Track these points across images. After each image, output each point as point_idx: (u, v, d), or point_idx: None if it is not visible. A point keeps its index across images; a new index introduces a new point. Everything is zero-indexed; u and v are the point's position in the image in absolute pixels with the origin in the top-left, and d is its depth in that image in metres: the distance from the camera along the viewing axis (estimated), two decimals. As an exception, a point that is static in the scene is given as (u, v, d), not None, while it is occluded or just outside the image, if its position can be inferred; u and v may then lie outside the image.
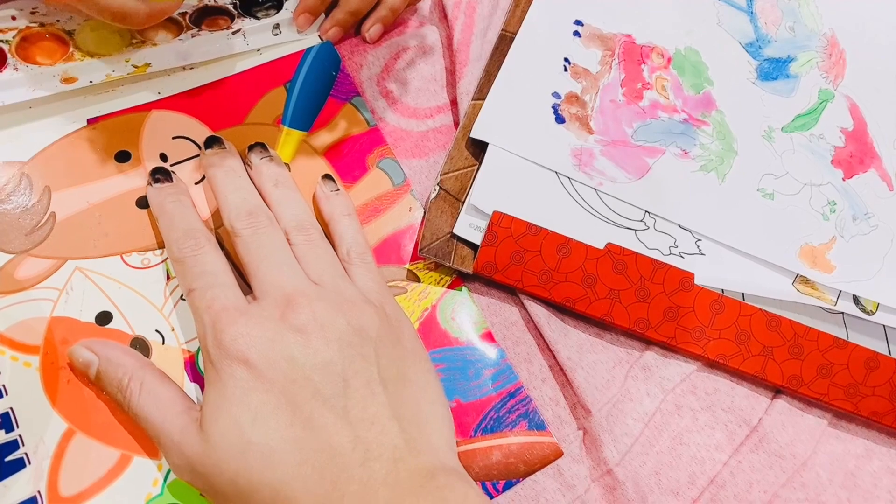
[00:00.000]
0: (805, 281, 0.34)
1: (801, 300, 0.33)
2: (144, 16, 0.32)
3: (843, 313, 0.34)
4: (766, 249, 0.34)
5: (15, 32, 0.35)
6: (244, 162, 0.34)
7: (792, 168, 0.36)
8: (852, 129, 0.38)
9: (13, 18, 0.36)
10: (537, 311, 0.34)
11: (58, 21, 0.36)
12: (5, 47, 0.35)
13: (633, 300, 0.33)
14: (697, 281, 0.33)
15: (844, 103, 0.39)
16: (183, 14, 0.38)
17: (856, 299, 0.34)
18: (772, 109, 0.38)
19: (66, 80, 0.35)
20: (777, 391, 0.34)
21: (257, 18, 0.38)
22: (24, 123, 0.34)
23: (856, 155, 0.37)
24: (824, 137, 0.37)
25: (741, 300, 0.33)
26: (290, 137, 0.36)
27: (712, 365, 0.34)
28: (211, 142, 0.34)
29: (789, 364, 0.33)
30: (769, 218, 0.35)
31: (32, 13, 0.36)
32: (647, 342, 0.34)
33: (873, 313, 0.34)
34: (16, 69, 0.34)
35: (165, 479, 0.30)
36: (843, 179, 0.37)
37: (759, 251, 0.34)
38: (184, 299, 0.33)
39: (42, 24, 0.36)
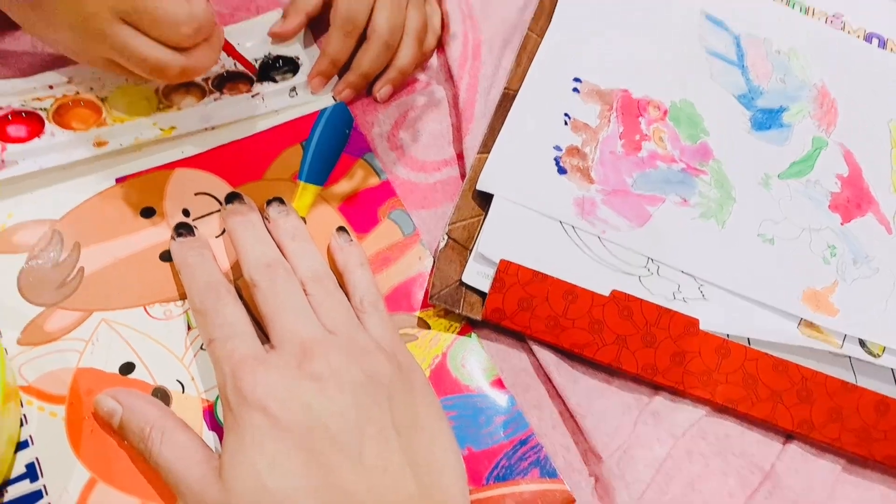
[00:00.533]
0: (810, 324, 0.35)
1: (806, 344, 0.34)
2: (179, 70, 0.34)
3: (849, 357, 0.35)
4: (768, 294, 0.35)
5: (52, 100, 0.38)
6: (262, 216, 0.36)
7: (790, 213, 0.38)
8: (847, 174, 0.40)
9: (51, 87, 0.39)
10: (546, 357, 0.35)
11: (91, 89, 0.39)
12: (43, 114, 0.38)
13: (640, 346, 0.34)
14: (702, 326, 0.34)
15: (838, 150, 0.40)
16: (206, 79, 0.41)
17: (861, 342, 0.35)
18: (767, 157, 0.39)
19: (99, 144, 0.37)
20: (788, 436, 0.34)
21: (275, 82, 0.41)
22: (57, 183, 0.37)
23: (853, 200, 0.39)
24: (820, 183, 0.39)
25: (747, 344, 0.34)
26: (306, 192, 0.38)
27: (721, 410, 0.34)
28: (231, 197, 0.36)
29: (799, 408, 0.33)
30: (770, 262, 0.36)
31: (69, 82, 0.39)
32: (656, 387, 0.35)
33: (880, 356, 0.35)
34: (53, 135, 0.37)
35: (183, 528, 0.31)
36: (842, 224, 0.38)
37: (762, 296, 0.35)
38: (203, 349, 0.34)
39: (77, 93, 0.39)
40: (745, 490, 0.33)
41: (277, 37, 0.42)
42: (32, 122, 0.37)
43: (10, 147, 0.36)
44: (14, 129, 0.37)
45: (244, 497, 0.26)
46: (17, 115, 0.37)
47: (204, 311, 0.32)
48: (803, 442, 0.34)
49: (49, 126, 0.37)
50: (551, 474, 0.32)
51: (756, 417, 0.33)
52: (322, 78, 0.41)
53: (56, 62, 0.40)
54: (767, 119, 0.41)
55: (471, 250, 0.36)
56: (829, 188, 0.39)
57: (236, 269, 0.35)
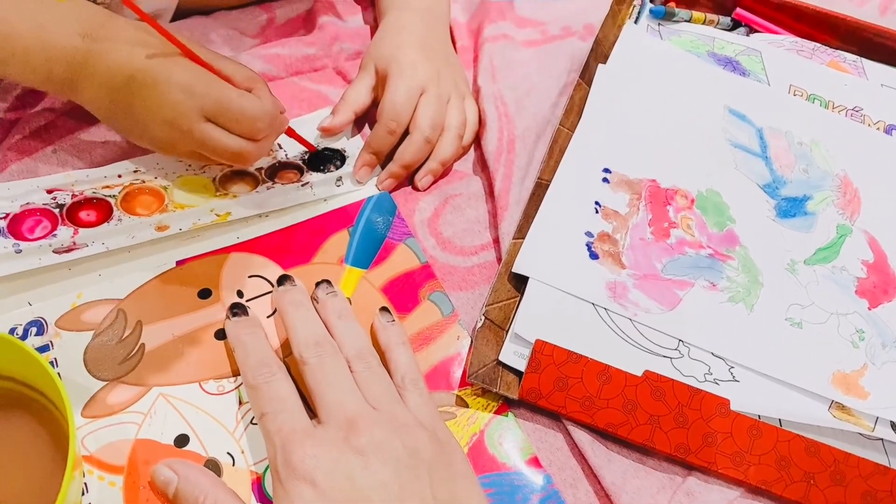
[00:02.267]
0: (841, 407, 0.37)
1: (838, 426, 0.36)
2: (254, 156, 0.42)
3: (882, 439, 0.37)
4: (798, 376, 0.38)
5: (120, 188, 0.44)
6: (311, 297, 0.40)
7: (817, 298, 0.41)
8: (873, 260, 0.43)
9: (119, 176, 0.45)
10: (581, 436, 0.37)
11: (155, 178, 0.45)
12: (112, 201, 0.43)
13: (673, 426, 0.36)
14: (733, 407, 0.36)
15: (863, 237, 0.43)
16: (259, 169, 0.46)
17: (893, 425, 0.37)
18: (793, 244, 0.43)
19: (160, 228, 0.43)
20: (824, 518, 0.36)
21: (323, 172, 0.47)
22: (122, 264, 0.42)
23: (879, 285, 0.41)
24: (846, 269, 0.42)
25: (778, 426, 0.36)
26: (351, 275, 0.42)
27: (755, 491, 0.36)
28: (283, 279, 0.41)
29: (833, 491, 0.35)
30: (799, 346, 0.39)
31: (135, 171, 0.45)
32: (689, 467, 0.37)
33: (915, 440, 0.37)
34: (119, 220, 0.42)
35: None
36: (869, 308, 0.41)
37: (791, 378, 0.38)
38: (253, 423, 0.38)
39: (142, 181, 0.44)
40: (783, 576, 0.34)
41: (327, 132, 0.48)
42: (102, 208, 0.43)
43: (82, 231, 0.42)
44: (85, 214, 0.43)
45: None
46: (89, 202, 0.43)
47: (256, 387, 0.36)
48: (841, 527, 0.36)
49: (117, 212, 0.43)
50: (588, 554, 0.35)
51: (790, 499, 0.35)
52: (367, 168, 0.46)
53: (125, 153, 0.46)
54: (792, 207, 0.45)
55: (507, 331, 0.39)
56: (856, 274, 0.42)
57: (286, 346, 0.39)
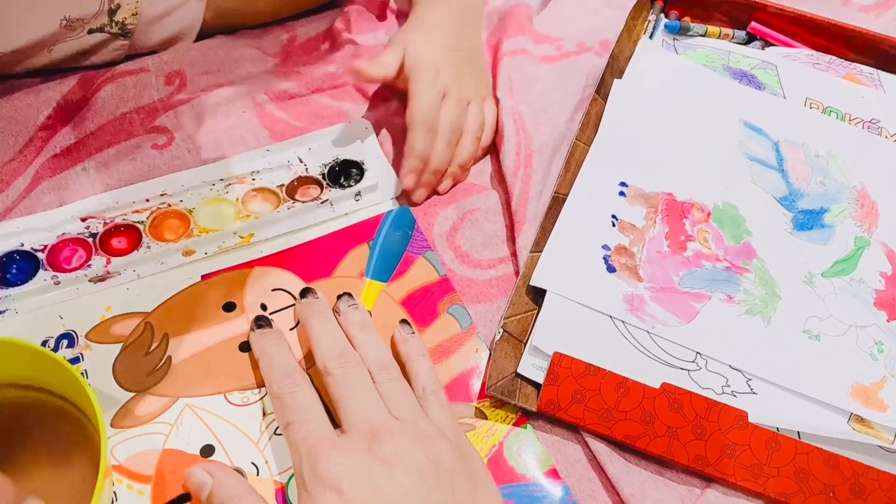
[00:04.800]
0: (860, 419, 0.38)
1: (857, 438, 0.37)
2: None
3: (902, 452, 0.37)
4: (817, 389, 0.38)
5: (148, 213, 0.46)
6: (333, 309, 0.41)
7: (836, 311, 0.41)
8: (891, 272, 0.43)
9: (147, 200, 0.46)
10: (599, 448, 0.38)
11: (181, 201, 0.46)
12: (141, 227, 0.45)
13: (691, 438, 0.37)
14: (752, 419, 0.37)
15: (881, 249, 0.44)
16: (280, 186, 0.48)
17: (914, 438, 0.37)
18: (810, 256, 0.43)
19: (187, 253, 0.44)
20: (843, 531, 0.36)
21: (343, 188, 0.48)
22: (149, 278, 0.43)
23: (898, 297, 0.42)
24: (864, 281, 0.43)
25: (797, 438, 0.37)
26: (372, 288, 0.44)
27: (774, 503, 0.37)
28: (305, 292, 0.42)
29: None
30: (818, 358, 0.39)
31: (161, 195, 0.46)
32: (708, 479, 0.38)
33: (936, 453, 0.37)
34: (149, 247, 0.44)
35: None
36: (888, 321, 0.41)
37: (810, 390, 0.38)
38: (277, 434, 0.39)
39: (168, 205, 0.46)
40: (803, 588, 0.35)
41: (358, 75, 0.48)
42: (132, 235, 0.45)
43: (114, 260, 0.44)
44: (117, 242, 0.45)
45: None
46: (119, 229, 0.45)
47: (281, 397, 0.37)
48: (861, 540, 0.36)
49: (146, 239, 0.44)
50: (607, 565, 0.35)
51: (811, 512, 0.36)
52: (414, 175, 0.47)
53: (151, 170, 0.48)
54: (809, 220, 0.45)
55: (525, 343, 0.40)
56: (874, 286, 0.43)
57: (309, 358, 0.41)
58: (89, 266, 0.43)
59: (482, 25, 0.58)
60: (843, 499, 0.36)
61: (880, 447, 0.37)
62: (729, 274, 0.42)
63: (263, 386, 0.40)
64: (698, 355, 0.39)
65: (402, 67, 0.49)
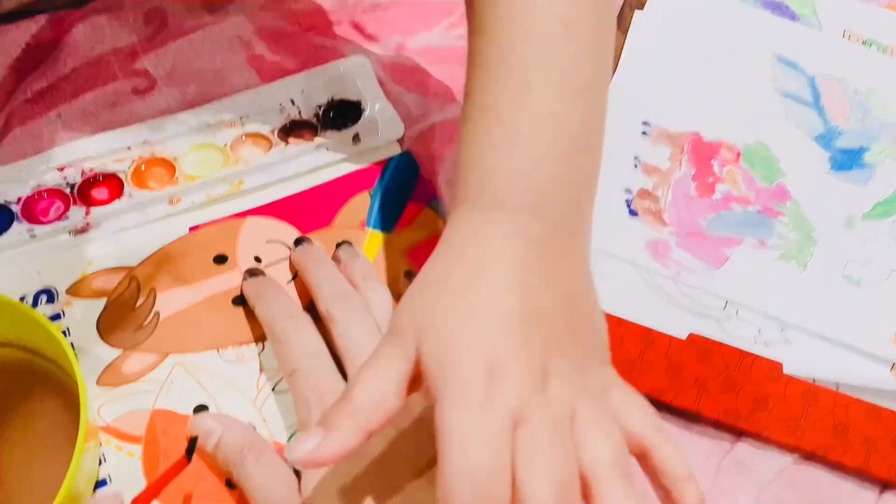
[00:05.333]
0: (903, 369, 0.37)
1: (899, 389, 0.37)
2: None
3: (948, 403, 0.37)
4: (857, 337, 0.38)
5: (130, 161, 0.45)
6: (333, 258, 0.41)
7: (877, 255, 0.41)
8: (937, 214, 0.43)
9: (129, 148, 0.45)
10: (622, 402, 0.38)
11: (165, 148, 0.45)
12: (122, 176, 0.44)
13: (721, 390, 0.37)
14: (786, 370, 0.37)
15: (925, 190, 0.43)
16: (272, 130, 0.47)
17: (961, 387, 0.37)
18: (849, 198, 0.43)
19: (172, 202, 0.44)
20: (885, 485, 0.36)
21: (338, 129, 0.47)
22: (133, 230, 0.43)
23: (944, 241, 0.42)
24: (908, 224, 0.42)
25: (835, 389, 0.37)
26: (374, 238, 0.43)
27: (810, 457, 0.37)
28: (300, 241, 0.41)
29: None
30: (858, 305, 0.39)
31: (144, 143, 0.45)
32: (738, 433, 0.37)
33: (982, 403, 0.37)
34: (131, 196, 0.44)
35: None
36: (933, 265, 0.41)
37: (849, 339, 0.38)
38: (275, 391, 0.39)
39: (152, 153, 0.45)
40: (840, 545, 0.35)
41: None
42: (113, 185, 0.44)
43: (94, 210, 0.43)
44: (97, 192, 0.44)
45: None
46: (99, 178, 0.44)
47: (284, 340, 0.37)
48: (903, 494, 0.36)
49: (128, 188, 0.44)
50: (631, 524, 0.35)
51: (848, 466, 0.35)
52: None
53: (132, 116, 0.47)
54: (847, 159, 0.44)
55: (541, 295, 0.40)
56: (918, 229, 0.42)
57: (310, 314, 0.40)
58: (67, 218, 0.42)
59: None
60: (886, 452, 0.35)
61: (925, 398, 0.37)
62: (761, 217, 0.42)
63: (260, 341, 0.40)
64: (728, 303, 0.39)
65: (418, 372, 0.28)
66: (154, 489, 0.32)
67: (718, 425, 0.38)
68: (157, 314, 0.41)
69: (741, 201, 0.42)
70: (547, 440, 0.25)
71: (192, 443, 0.34)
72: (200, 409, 0.38)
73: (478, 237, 0.29)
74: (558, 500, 0.25)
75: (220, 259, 0.42)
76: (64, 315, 0.40)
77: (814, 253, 0.41)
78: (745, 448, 0.37)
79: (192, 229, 0.43)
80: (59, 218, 0.42)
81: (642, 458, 0.28)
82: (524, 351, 0.26)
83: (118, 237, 0.42)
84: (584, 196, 0.33)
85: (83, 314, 0.40)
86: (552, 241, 0.30)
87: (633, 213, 0.42)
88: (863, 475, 0.36)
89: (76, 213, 0.42)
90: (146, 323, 0.40)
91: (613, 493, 0.25)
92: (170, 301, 0.41)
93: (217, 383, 0.39)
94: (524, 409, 0.26)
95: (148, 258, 0.42)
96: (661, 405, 0.38)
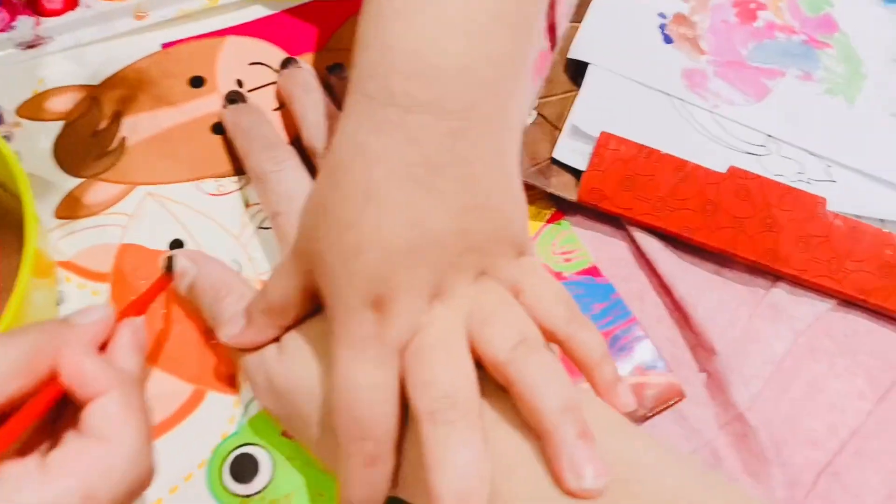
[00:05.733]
0: (953, 210, 0.35)
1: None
2: None
3: None
4: (905, 176, 0.35)
5: (87, -36, 0.38)
6: (325, 84, 0.36)
7: (929, 93, 0.37)
8: None
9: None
10: (650, 243, 0.34)
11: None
12: (79, -18, 0.38)
13: (760, 229, 0.33)
14: (830, 206, 0.34)
15: (981, 27, 0.40)
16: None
17: None
18: (900, 32, 0.39)
19: (139, 16, 0.38)
20: (926, 334, 0.34)
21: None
22: (94, 45, 0.37)
23: None
24: (961, 62, 0.39)
25: (881, 227, 0.34)
26: (372, 63, 0.38)
27: (850, 303, 0.34)
28: (288, 62, 0.36)
29: (941, 300, 0.33)
30: (906, 144, 0.36)
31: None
32: (774, 278, 0.34)
33: None
34: (89, 6, 0.37)
35: (243, 417, 0.31)
36: None
37: (897, 178, 0.35)
38: (262, 228, 0.34)
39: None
40: (875, 391, 0.33)
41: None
42: (68, -7, 0.38)
43: (45, 21, 0.37)
44: (49, 1, 0.38)
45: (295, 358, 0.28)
46: (49, -16, 0.38)
47: (265, 177, 0.33)
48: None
49: (86, -5, 0.38)
50: (659, 366, 0.33)
51: (891, 310, 0.33)
52: None
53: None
54: (898, -8, 0.41)
55: (561, 130, 0.36)
56: (971, 67, 0.39)
57: (296, 147, 0.35)
58: (13, 28, 0.36)
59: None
60: (932, 295, 0.33)
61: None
62: (806, 48, 0.38)
63: (243, 174, 0.35)
64: (769, 138, 0.35)
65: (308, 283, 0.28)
66: (140, 305, 0.28)
67: (753, 269, 0.35)
68: (124, 140, 0.36)
69: (785, 30, 0.38)
70: (433, 353, 0.25)
71: (170, 260, 0.30)
72: (176, 244, 0.34)
73: (367, 154, 0.26)
74: (442, 408, 0.24)
75: (197, 81, 0.37)
76: (13, 137, 0.35)
77: (862, 88, 0.37)
78: (780, 293, 0.34)
79: (164, 46, 0.37)
80: (3, 29, 0.36)
81: (560, 345, 0.27)
82: (409, 283, 0.25)
83: (76, 53, 0.37)
84: (507, 81, 0.27)
85: (36, 137, 0.35)
86: (456, 145, 0.26)
87: (667, 39, 0.37)
88: (905, 321, 0.34)
89: (24, 23, 0.36)
90: (111, 149, 0.35)
91: (526, 368, 0.25)
92: (139, 126, 0.36)
93: (195, 218, 0.34)
94: (413, 336, 0.26)
95: (112, 77, 0.37)
96: (691, 247, 0.35)
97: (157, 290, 0.29)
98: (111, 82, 0.36)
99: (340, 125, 0.27)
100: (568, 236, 0.35)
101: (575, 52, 0.37)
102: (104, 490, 0.21)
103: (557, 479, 0.23)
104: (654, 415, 0.32)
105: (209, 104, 0.36)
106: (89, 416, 0.22)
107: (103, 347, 0.26)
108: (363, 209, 0.25)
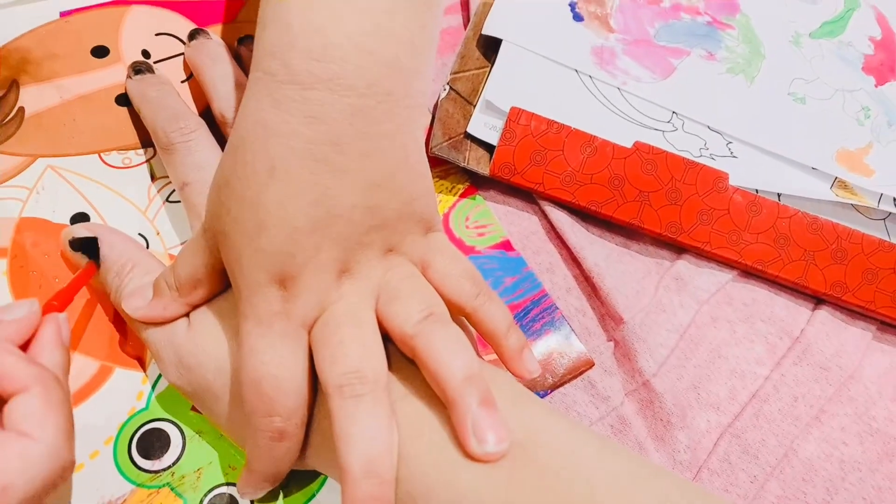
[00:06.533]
0: (844, 186, 0.37)
1: (841, 201, 0.36)
2: None
3: (885, 218, 0.36)
4: (801, 152, 0.36)
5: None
6: (234, 54, 0.35)
7: (822, 73, 0.39)
8: (881, 37, 0.41)
9: None
10: (560, 217, 0.35)
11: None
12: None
13: (665, 203, 0.35)
14: (732, 181, 0.35)
15: (871, 13, 0.42)
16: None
17: (896, 204, 0.37)
18: (798, 15, 0.41)
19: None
20: (818, 301, 0.36)
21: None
22: (-14, 13, 0.36)
23: (886, 63, 0.40)
24: (853, 45, 0.41)
25: (777, 201, 0.36)
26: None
27: (749, 273, 0.36)
28: (196, 33, 0.35)
29: (832, 270, 0.35)
30: (802, 122, 0.38)
31: None
32: (679, 251, 0.36)
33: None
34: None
35: (151, 393, 0.31)
36: (876, 86, 0.40)
37: (794, 154, 0.36)
38: (170, 201, 0.34)
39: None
40: (773, 356, 0.35)
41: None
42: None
43: None
44: None
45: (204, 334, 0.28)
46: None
47: (172, 147, 0.32)
48: (834, 307, 0.36)
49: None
50: (568, 336, 0.34)
51: (787, 280, 0.35)
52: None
53: None
54: (797, -22, 0.43)
55: (475, 105, 0.37)
56: (863, 50, 0.41)
57: (206, 118, 0.35)
58: None
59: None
60: (823, 264, 0.35)
61: (862, 215, 0.36)
62: (710, 29, 0.39)
63: (150, 146, 0.34)
64: (674, 115, 0.37)
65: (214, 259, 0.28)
66: (66, 295, 0.27)
67: (659, 241, 0.36)
68: (22, 110, 0.34)
69: (690, 11, 0.39)
70: (341, 329, 0.26)
71: (94, 242, 0.30)
72: (80, 218, 0.33)
73: (268, 131, 0.25)
74: (350, 382, 0.25)
75: (100, 51, 0.36)
76: None
77: (761, 68, 0.39)
78: (684, 265, 0.35)
79: (63, 14, 0.36)
80: None
81: (467, 318, 0.28)
82: (315, 260, 0.26)
83: (-34, 19, 0.35)
84: (410, 59, 0.27)
85: (-76, 107, 0.34)
86: (357, 122, 0.26)
87: (578, 17, 0.38)
88: (799, 290, 0.36)
89: None
90: (7, 119, 0.34)
91: (432, 340, 0.25)
92: (38, 96, 0.34)
93: (100, 191, 0.33)
94: (320, 313, 0.26)
95: (7, 45, 0.35)
96: (600, 221, 0.36)
97: (82, 281, 0.29)
98: (7, 50, 0.35)
99: (243, 102, 0.27)
100: (482, 211, 0.36)
101: (488, 29, 0.37)
102: (21, 483, 0.22)
103: (462, 445, 0.24)
104: (564, 383, 0.33)
105: (113, 75, 0.35)
106: (11, 411, 0.23)
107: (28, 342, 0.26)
108: (266, 186, 0.25)
